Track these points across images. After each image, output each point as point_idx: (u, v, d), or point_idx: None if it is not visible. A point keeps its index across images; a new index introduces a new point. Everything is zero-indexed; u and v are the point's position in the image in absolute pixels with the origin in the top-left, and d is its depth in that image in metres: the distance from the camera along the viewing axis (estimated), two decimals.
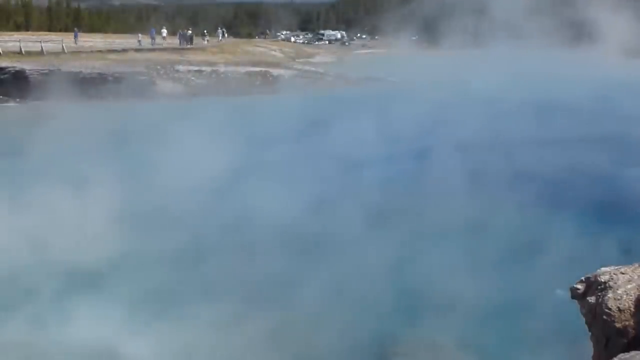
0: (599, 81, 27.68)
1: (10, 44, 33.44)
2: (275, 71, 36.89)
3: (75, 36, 39.77)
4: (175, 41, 44.68)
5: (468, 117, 21.13)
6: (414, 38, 69.56)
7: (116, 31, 64.48)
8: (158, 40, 43.98)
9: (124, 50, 36.62)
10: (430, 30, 63.71)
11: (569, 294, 4.70)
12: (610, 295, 3.98)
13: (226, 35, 58.96)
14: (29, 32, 46.76)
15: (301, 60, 50.29)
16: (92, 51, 35.59)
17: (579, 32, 35.85)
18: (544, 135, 20.37)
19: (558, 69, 30.65)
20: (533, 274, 10.11)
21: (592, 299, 4.16)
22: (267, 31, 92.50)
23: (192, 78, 33.20)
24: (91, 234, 11.62)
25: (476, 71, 30.15)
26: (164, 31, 47.83)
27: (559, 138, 19.95)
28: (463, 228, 12.20)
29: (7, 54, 31.78)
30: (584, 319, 4.51)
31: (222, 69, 35.13)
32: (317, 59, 55.71)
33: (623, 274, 4.17)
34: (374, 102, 26.93)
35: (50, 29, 56.23)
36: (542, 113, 22.39)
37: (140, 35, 44.84)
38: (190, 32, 47.05)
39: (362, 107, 25.41)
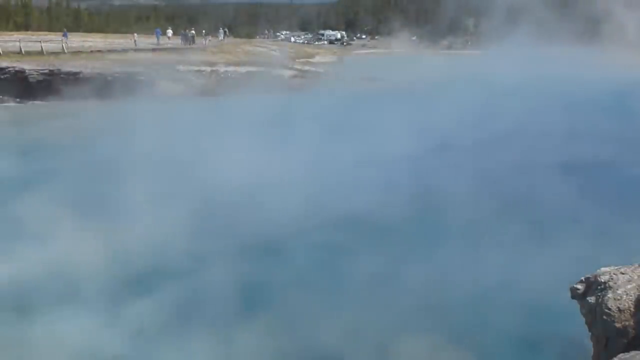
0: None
1: (10, 44, 33.33)
2: (275, 71, 36.89)
3: (65, 36, 39.61)
4: (178, 41, 44.74)
5: (489, 114, 21.70)
6: (413, 38, 69.70)
7: (116, 31, 64.49)
8: (163, 40, 44.02)
9: (124, 50, 36.59)
10: (429, 31, 63.85)
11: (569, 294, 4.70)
12: (610, 295, 3.99)
13: (228, 35, 58.95)
14: (29, 32, 46.75)
15: (301, 60, 50.16)
16: (92, 51, 35.53)
17: (586, 30, 35.55)
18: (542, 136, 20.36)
19: (560, 69, 30.47)
20: None
21: (592, 299, 4.16)
22: (267, 31, 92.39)
23: (192, 78, 33.17)
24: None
25: (478, 71, 30.14)
26: (169, 31, 48.31)
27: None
28: None
29: (7, 54, 31.68)
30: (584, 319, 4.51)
31: (222, 69, 35.12)
32: (317, 59, 55.54)
33: (623, 274, 4.18)
34: (374, 102, 26.95)
35: (50, 29, 56.18)
36: (532, 107, 22.70)
37: (135, 35, 44.91)
38: (192, 32, 47.09)
39: (364, 107, 25.48)
